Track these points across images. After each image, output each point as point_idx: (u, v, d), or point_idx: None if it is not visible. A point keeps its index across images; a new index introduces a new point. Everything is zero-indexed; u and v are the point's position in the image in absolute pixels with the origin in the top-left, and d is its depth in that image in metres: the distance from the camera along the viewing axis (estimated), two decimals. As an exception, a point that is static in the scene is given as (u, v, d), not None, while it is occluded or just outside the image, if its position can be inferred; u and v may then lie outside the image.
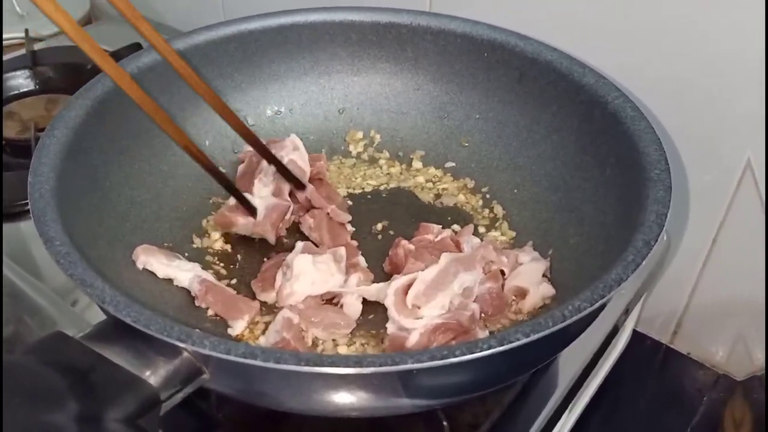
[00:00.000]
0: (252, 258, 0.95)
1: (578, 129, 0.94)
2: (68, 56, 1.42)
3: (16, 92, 1.34)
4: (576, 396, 0.92)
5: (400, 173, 1.07)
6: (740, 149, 0.95)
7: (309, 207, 0.98)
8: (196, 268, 0.88)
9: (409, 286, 0.85)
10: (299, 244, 0.91)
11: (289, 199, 0.96)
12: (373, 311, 0.87)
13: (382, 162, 1.09)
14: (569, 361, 0.91)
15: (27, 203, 0.76)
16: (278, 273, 0.88)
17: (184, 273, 0.87)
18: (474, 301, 0.85)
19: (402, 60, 1.07)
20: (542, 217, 0.96)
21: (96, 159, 0.89)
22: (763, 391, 1.02)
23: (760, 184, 0.95)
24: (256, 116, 1.05)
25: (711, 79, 0.94)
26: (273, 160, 0.95)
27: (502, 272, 0.88)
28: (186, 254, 0.93)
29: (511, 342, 0.63)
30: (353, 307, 0.87)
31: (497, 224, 0.99)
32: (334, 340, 0.85)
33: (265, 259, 0.94)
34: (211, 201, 1.01)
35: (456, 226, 0.98)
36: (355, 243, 0.95)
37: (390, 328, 0.83)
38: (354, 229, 0.98)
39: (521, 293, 0.87)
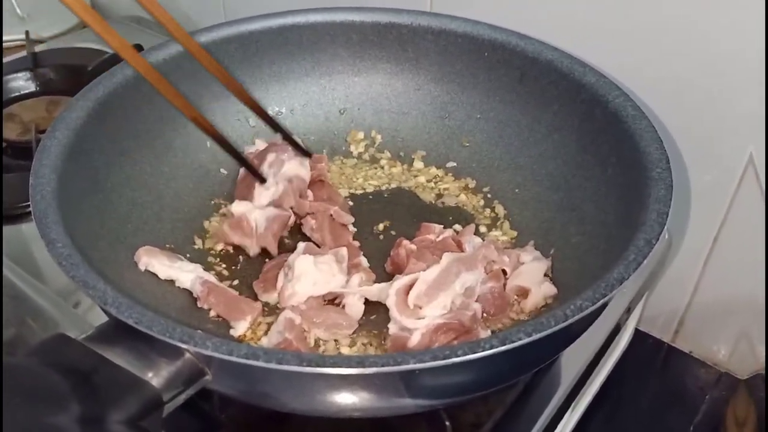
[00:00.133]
0: (254, 259, 0.95)
1: (579, 128, 0.94)
2: (69, 58, 1.42)
3: (16, 94, 1.34)
4: (578, 395, 0.92)
5: (402, 173, 1.07)
6: (741, 148, 0.95)
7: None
8: (198, 269, 0.88)
9: (410, 286, 0.85)
10: (301, 245, 0.90)
11: (288, 205, 0.96)
12: (375, 311, 0.87)
13: (383, 162, 1.09)
14: (571, 360, 0.91)
15: (28, 205, 0.76)
16: (280, 274, 0.89)
17: (186, 274, 0.87)
18: (476, 301, 0.85)
19: (403, 60, 1.07)
20: (543, 217, 0.96)
21: (97, 160, 0.89)
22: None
23: (761, 175, 0.95)
24: (258, 117, 1.05)
25: (711, 79, 0.94)
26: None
27: (504, 272, 0.88)
28: (188, 255, 0.93)
29: (513, 341, 0.63)
30: (355, 308, 0.87)
31: (498, 224, 0.99)
32: (336, 340, 0.85)
33: (266, 260, 0.94)
34: (212, 202, 1.01)
35: (457, 226, 0.98)
36: (356, 243, 0.95)
37: (392, 328, 0.83)
38: (355, 229, 0.98)
39: (523, 293, 0.87)
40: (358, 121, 1.10)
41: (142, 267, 0.86)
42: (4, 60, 1.44)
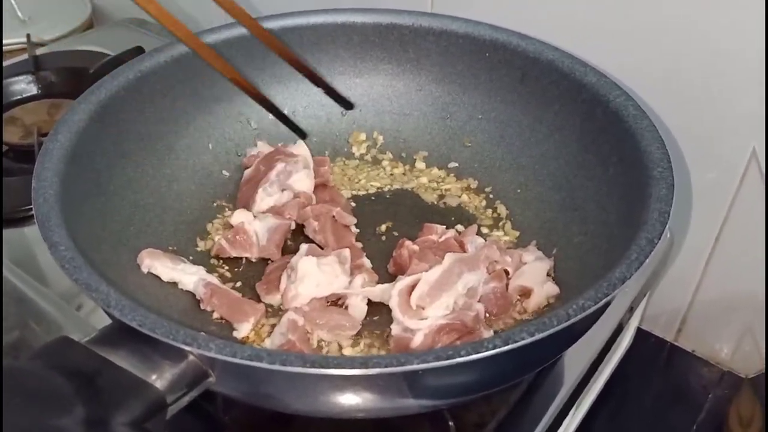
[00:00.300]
0: (256, 261, 0.95)
1: (581, 128, 0.94)
2: (70, 61, 1.42)
3: (18, 97, 1.34)
4: (582, 394, 0.92)
5: (404, 174, 1.07)
6: (742, 146, 0.95)
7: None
8: (200, 271, 0.88)
9: (413, 286, 0.85)
10: (303, 247, 0.90)
11: (289, 215, 0.96)
12: (378, 312, 0.87)
13: (385, 163, 1.09)
14: (574, 359, 0.91)
15: (31, 208, 0.76)
16: (283, 275, 0.89)
17: (188, 276, 0.87)
18: (478, 301, 0.85)
19: (404, 61, 1.08)
20: (545, 217, 0.96)
21: (99, 163, 0.89)
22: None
23: (765, 172, 0.95)
24: (260, 119, 1.05)
25: (712, 78, 0.94)
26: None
27: (506, 272, 0.88)
28: (190, 257, 0.93)
29: (516, 341, 0.63)
30: (358, 309, 0.87)
31: (501, 224, 0.99)
32: (339, 341, 0.85)
33: (269, 262, 0.94)
34: (215, 204, 1.01)
35: (460, 227, 0.98)
36: (359, 244, 0.95)
37: (395, 329, 0.83)
38: (358, 230, 0.98)
39: (525, 293, 0.87)
40: (360, 123, 1.10)
41: (144, 269, 0.86)
42: (6, 63, 1.44)
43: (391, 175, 1.07)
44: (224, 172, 1.04)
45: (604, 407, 1.03)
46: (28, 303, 0.98)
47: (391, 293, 0.85)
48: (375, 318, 0.87)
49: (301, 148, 1.02)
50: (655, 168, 0.80)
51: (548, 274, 0.88)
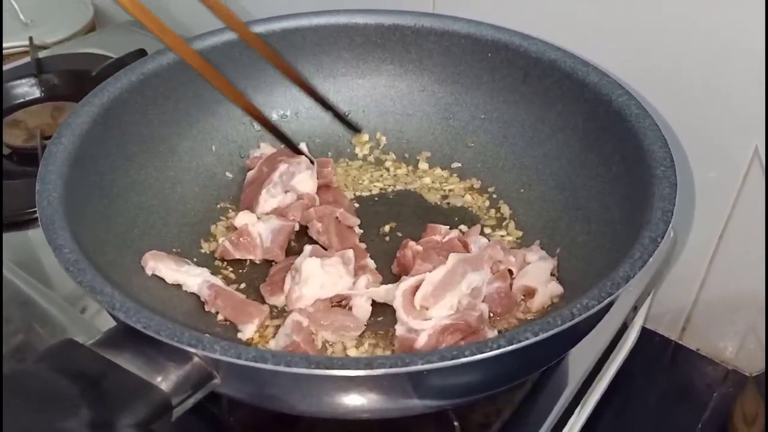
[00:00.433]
0: (260, 263, 0.95)
1: (583, 127, 0.94)
2: (73, 63, 1.42)
3: (21, 100, 1.34)
4: (586, 393, 0.92)
5: (407, 175, 1.07)
6: (745, 144, 0.95)
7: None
8: (204, 273, 0.89)
9: (417, 287, 0.85)
10: (307, 248, 0.91)
11: (293, 217, 0.96)
12: (382, 313, 0.87)
13: (388, 164, 1.09)
14: (579, 358, 0.91)
15: (35, 211, 0.76)
16: (287, 277, 0.89)
17: (193, 278, 0.87)
18: (482, 301, 0.85)
19: (406, 62, 1.08)
20: (549, 216, 0.96)
21: (103, 166, 0.89)
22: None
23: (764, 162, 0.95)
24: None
25: (714, 77, 0.94)
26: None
27: (510, 272, 0.88)
28: (194, 259, 0.93)
29: (521, 341, 0.63)
30: (362, 309, 0.87)
31: (504, 224, 0.99)
32: (343, 342, 0.85)
33: (273, 263, 0.94)
34: (218, 206, 1.01)
35: (463, 227, 0.98)
36: (363, 245, 0.95)
37: (399, 329, 0.83)
38: (362, 231, 0.98)
39: (529, 292, 0.87)
40: (363, 123, 1.10)
41: (148, 271, 0.86)
42: (9, 66, 1.44)
43: (395, 175, 1.07)
44: (227, 173, 1.04)
45: (609, 406, 1.03)
46: (32, 306, 0.98)
47: (395, 294, 0.85)
48: (379, 318, 0.87)
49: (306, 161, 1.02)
50: (657, 167, 0.80)
51: (552, 274, 0.88)
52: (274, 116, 1.07)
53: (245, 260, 0.95)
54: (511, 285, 0.87)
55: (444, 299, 0.83)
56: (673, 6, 0.93)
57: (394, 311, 0.84)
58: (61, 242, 0.73)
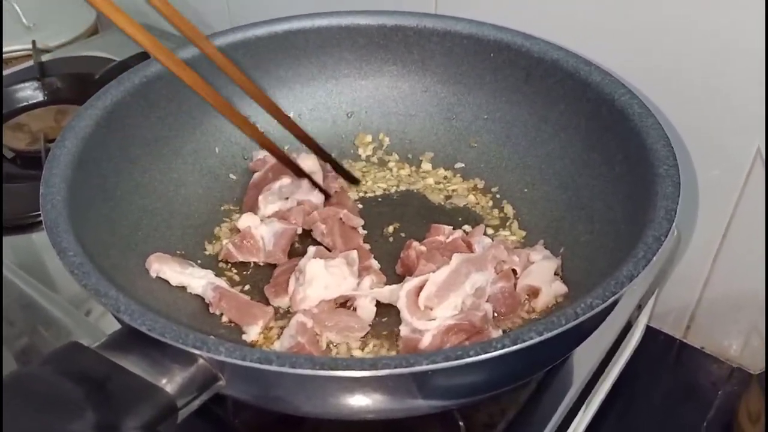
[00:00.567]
0: (264, 264, 0.95)
1: (586, 127, 0.94)
2: (76, 67, 1.42)
3: (24, 104, 1.35)
4: (591, 393, 0.92)
5: (410, 175, 1.07)
6: (748, 143, 0.95)
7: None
8: (209, 275, 0.89)
9: (421, 287, 0.85)
10: (311, 249, 0.91)
11: (295, 221, 0.97)
12: (386, 314, 0.87)
13: (391, 164, 1.09)
14: (583, 358, 0.91)
15: (39, 214, 0.77)
16: (291, 278, 0.89)
17: (197, 280, 0.87)
18: (486, 301, 0.85)
19: (409, 62, 1.08)
20: (552, 216, 0.96)
21: (106, 169, 0.89)
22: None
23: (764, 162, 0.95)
24: (265, 122, 1.04)
25: (716, 76, 0.94)
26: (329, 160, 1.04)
27: (514, 271, 0.88)
28: (199, 261, 0.93)
29: (525, 341, 0.63)
30: (366, 310, 0.87)
31: (508, 224, 0.99)
32: (348, 343, 0.85)
33: (277, 265, 0.94)
34: (222, 208, 1.01)
35: (467, 227, 0.98)
36: (367, 246, 0.95)
37: (403, 330, 0.83)
38: (365, 232, 0.98)
39: (533, 292, 0.87)
40: (366, 124, 1.10)
41: (153, 274, 0.86)
42: (12, 70, 1.44)
43: (398, 176, 1.07)
44: (231, 175, 1.04)
45: (614, 405, 1.03)
46: (37, 309, 0.98)
47: (399, 294, 0.85)
48: (383, 319, 0.87)
49: (308, 161, 1.02)
50: (660, 166, 0.80)
51: (556, 273, 0.88)
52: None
53: (249, 262, 0.95)
54: (515, 285, 0.87)
55: (448, 299, 0.83)
56: (673, 6, 0.93)
57: (398, 312, 0.84)
58: (65, 245, 0.73)
